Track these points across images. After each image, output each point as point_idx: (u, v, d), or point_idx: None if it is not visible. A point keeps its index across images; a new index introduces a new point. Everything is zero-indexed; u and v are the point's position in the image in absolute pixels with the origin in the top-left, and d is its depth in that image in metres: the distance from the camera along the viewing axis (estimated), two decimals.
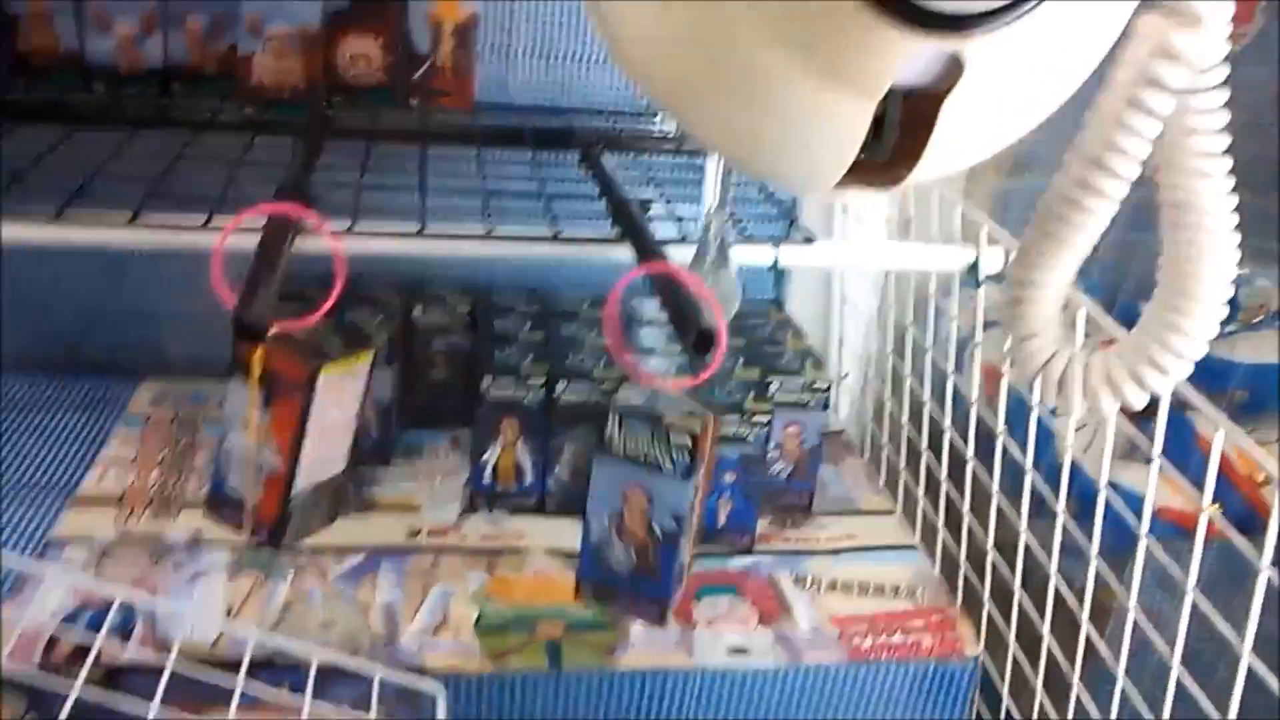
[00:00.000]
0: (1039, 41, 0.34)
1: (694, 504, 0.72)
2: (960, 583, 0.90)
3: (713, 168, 0.84)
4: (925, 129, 0.37)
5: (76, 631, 0.74)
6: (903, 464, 1.01)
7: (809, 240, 0.80)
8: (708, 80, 0.38)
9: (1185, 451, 0.77)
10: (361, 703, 0.71)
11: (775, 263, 0.79)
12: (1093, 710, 0.73)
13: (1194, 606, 0.61)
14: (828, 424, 1.02)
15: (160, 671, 0.66)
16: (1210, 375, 1.08)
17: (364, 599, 0.82)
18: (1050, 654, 0.77)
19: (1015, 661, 0.82)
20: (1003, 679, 0.84)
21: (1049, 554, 0.77)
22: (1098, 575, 0.72)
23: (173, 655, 0.68)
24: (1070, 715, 0.75)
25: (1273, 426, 1.07)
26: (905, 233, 1.00)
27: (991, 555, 0.85)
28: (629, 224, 0.72)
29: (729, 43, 0.36)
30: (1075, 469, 0.76)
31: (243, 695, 0.67)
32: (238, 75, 0.86)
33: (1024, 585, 0.81)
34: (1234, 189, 0.39)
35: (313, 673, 0.70)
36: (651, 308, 1.00)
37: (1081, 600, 0.73)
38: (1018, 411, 0.82)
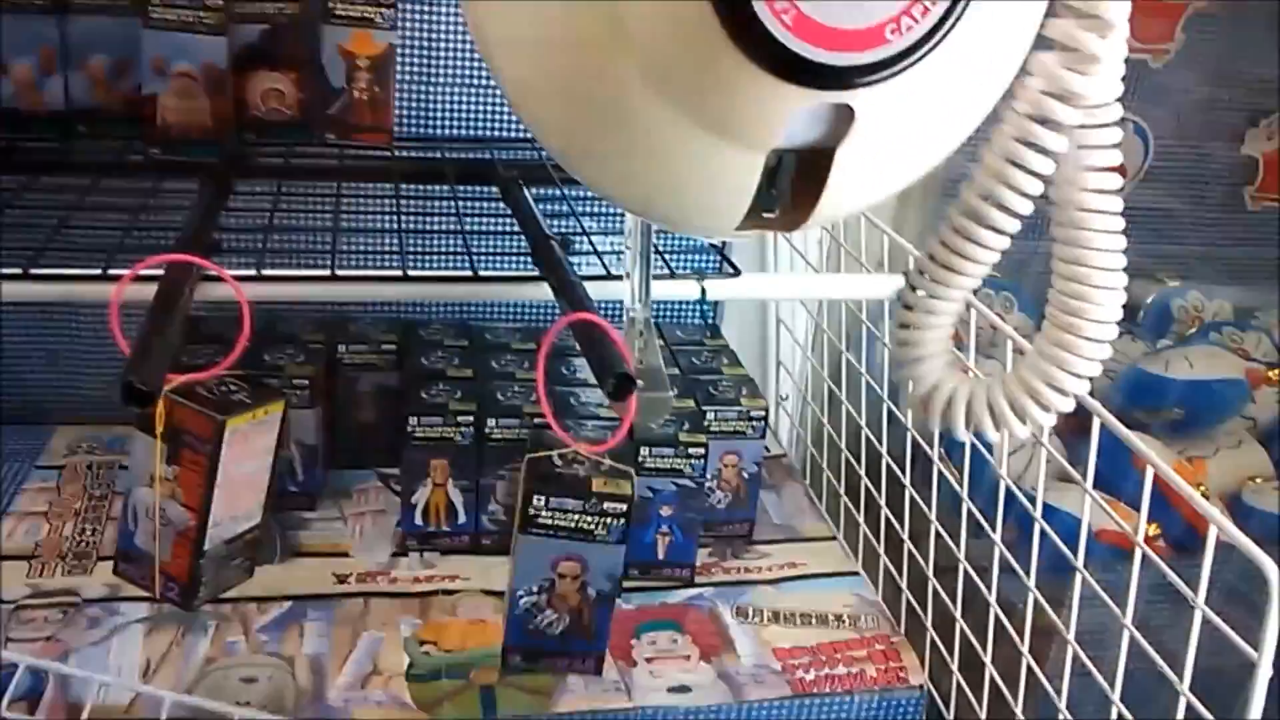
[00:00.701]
0: (930, 89, 0.33)
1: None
2: (903, 609, 0.89)
3: None
4: (820, 177, 0.36)
5: None
6: (842, 489, 1.00)
7: (736, 273, 0.78)
8: (598, 134, 0.37)
9: (1123, 471, 0.77)
10: None
11: (703, 294, 0.77)
12: None
13: (1137, 626, 0.61)
14: (767, 450, 1.00)
15: None
16: (1146, 393, 1.08)
17: (289, 651, 0.80)
18: (995, 680, 0.76)
19: (960, 689, 0.81)
20: (948, 707, 0.83)
21: (992, 577, 0.76)
22: (1042, 598, 0.71)
23: None
24: None
25: (1210, 440, 1.07)
26: (837, 259, 0.99)
27: (932, 583, 0.84)
28: (548, 262, 0.70)
29: (616, 96, 0.35)
30: (1017, 491, 0.75)
31: None
32: (144, 116, 0.84)
33: (969, 609, 0.80)
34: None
35: None
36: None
37: (1021, 631, 0.72)
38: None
